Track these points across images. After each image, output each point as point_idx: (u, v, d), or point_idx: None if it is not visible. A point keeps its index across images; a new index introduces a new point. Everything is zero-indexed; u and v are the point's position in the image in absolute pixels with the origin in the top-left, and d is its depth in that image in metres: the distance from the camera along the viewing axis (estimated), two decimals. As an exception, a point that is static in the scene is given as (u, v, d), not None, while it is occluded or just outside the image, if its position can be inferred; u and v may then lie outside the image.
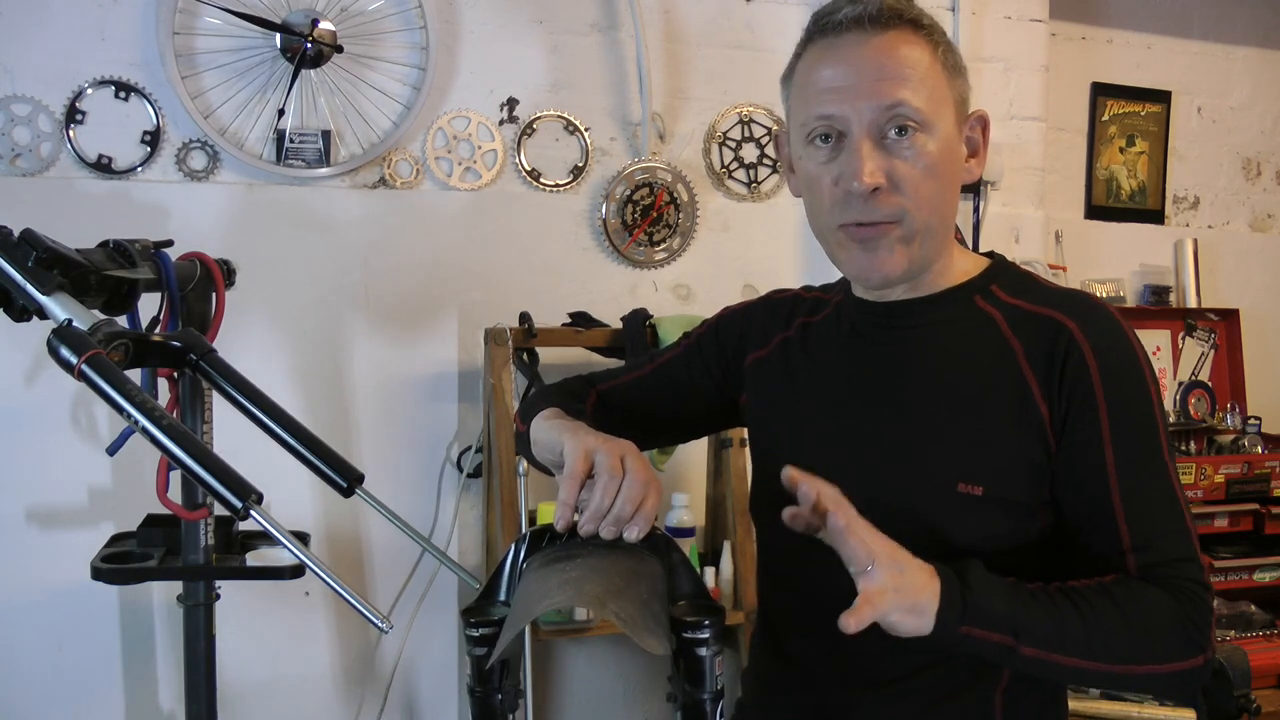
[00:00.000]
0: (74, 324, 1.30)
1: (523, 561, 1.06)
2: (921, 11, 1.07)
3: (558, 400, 1.24)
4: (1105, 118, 3.12)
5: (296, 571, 1.80)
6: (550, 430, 1.13)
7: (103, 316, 1.36)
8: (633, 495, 1.00)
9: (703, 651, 0.98)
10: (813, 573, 1.16)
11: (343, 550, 2.43)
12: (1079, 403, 1.04)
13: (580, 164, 2.55)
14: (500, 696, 1.01)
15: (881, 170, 1.04)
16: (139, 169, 2.27)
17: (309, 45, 2.27)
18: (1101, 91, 3.11)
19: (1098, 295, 1.17)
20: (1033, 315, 1.09)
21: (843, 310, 1.21)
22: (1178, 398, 3.00)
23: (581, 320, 2.45)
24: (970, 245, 2.73)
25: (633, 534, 1.00)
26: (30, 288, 1.37)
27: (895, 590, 0.92)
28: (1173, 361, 3.02)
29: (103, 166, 2.25)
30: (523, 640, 1.12)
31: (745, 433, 1.35)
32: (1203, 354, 3.05)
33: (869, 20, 1.04)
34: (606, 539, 1.00)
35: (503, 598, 1.05)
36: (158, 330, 1.64)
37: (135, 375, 1.48)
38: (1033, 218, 2.83)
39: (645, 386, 1.32)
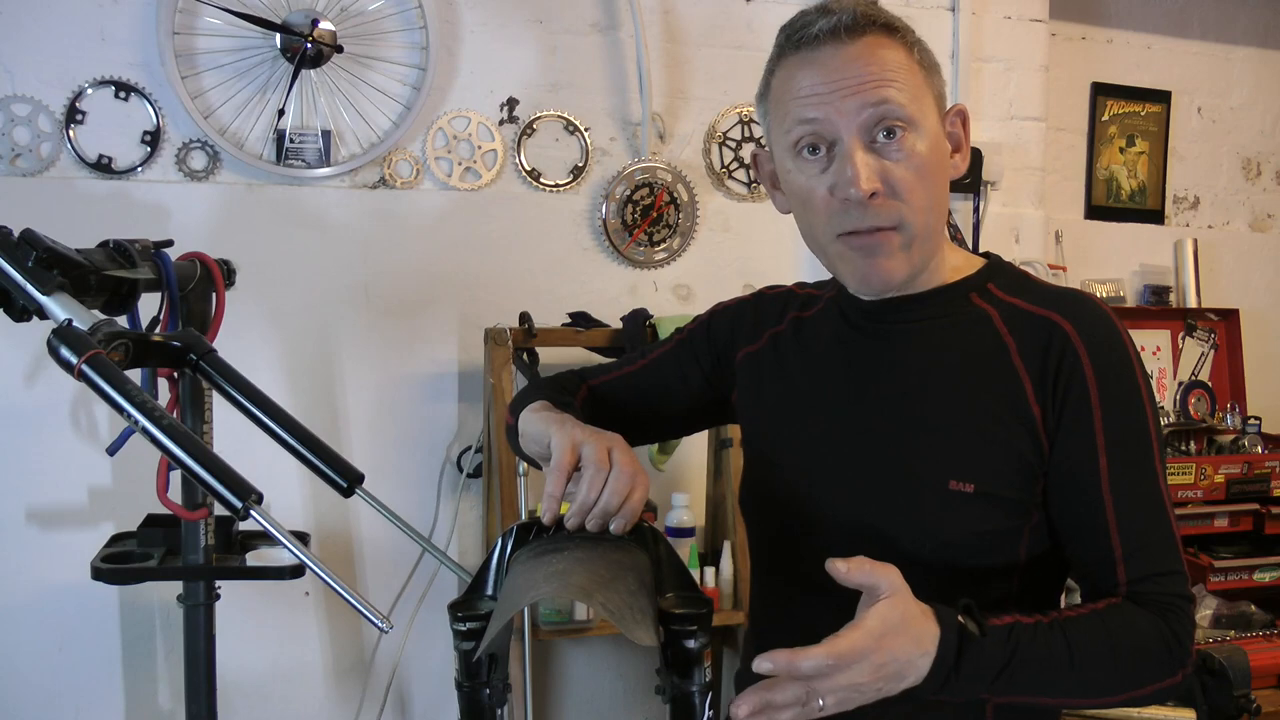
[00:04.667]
0: (74, 324, 1.29)
1: (510, 555, 1.05)
2: (892, 15, 1.07)
3: (547, 394, 1.24)
4: (1105, 118, 3.12)
5: (296, 571, 1.80)
6: (538, 422, 1.13)
7: (103, 316, 1.35)
8: (619, 488, 1.00)
9: (691, 643, 0.97)
10: (801, 568, 1.16)
11: (334, 550, 2.43)
12: (1073, 406, 1.04)
13: (580, 164, 2.55)
14: (488, 691, 1.01)
15: (877, 175, 1.03)
16: (139, 169, 2.27)
17: (309, 45, 2.28)
18: (1101, 91, 3.11)
19: (1095, 295, 1.16)
20: (1028, 314, 1.09)
21: (835, 305, 1.20)
22: (1178, 398, 3.00)
23: (581, 320, 2.45)
24: (970, 245, 2.73)
25: (619, 526, 1.00)
26: (30, 288, 1.37)
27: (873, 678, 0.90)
28: (1173, 361, 3.02)
29: (103, 166, 2.25)
30: (510, 634, 1.11)
31: (744, 432, 1.35)
32: (1202, 354, 3.05)
33: (844, 30, 1.04)
34: (593, 531, 1.00)
35: (490, 592, 1.05)
36: (158, 330, 1.64)
37: (135, 375, 1.48)
38: (1033, 218, 2.83)
39: (637, 381, 1.32)
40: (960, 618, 0.93)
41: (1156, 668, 1.00)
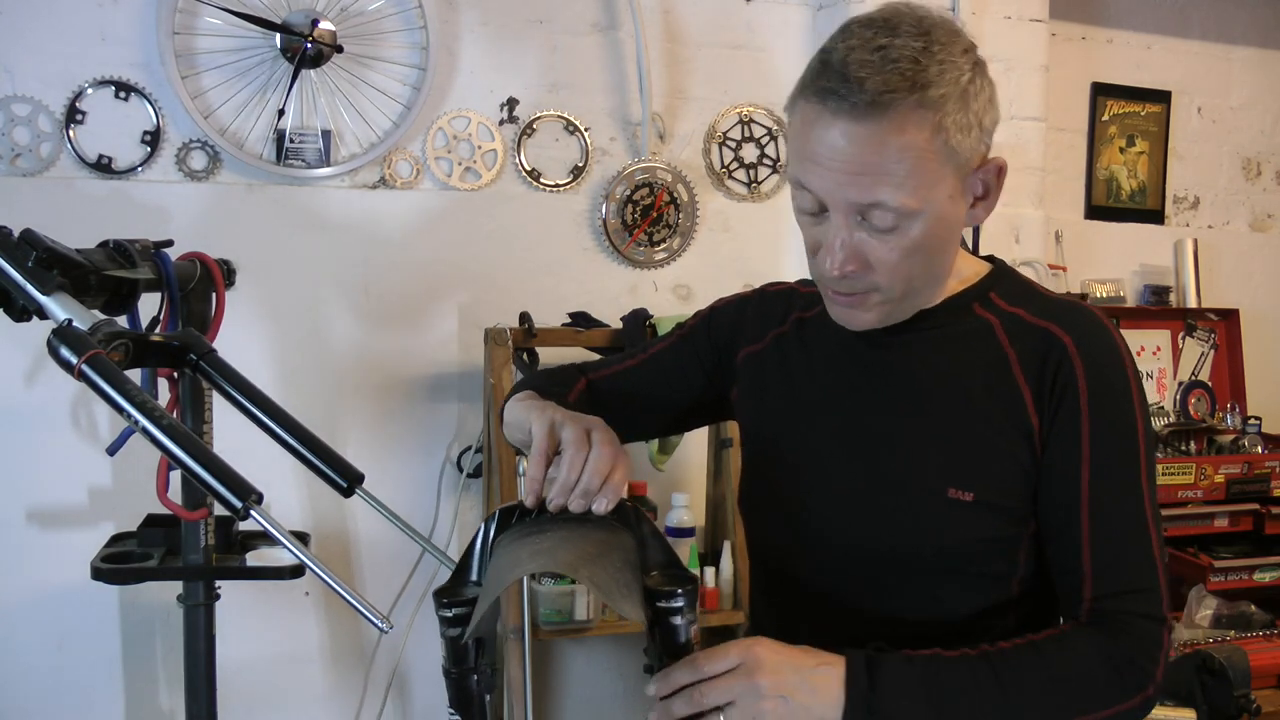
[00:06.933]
0: (74, 324, 1.29)
1: (493, 539, 1.05)
2: (932, 75, 0.96)
3: (537, 385, 1.24)
4: (1105, 118, 3.12)
5: (296, 571, 1.80)
6: (521, 411, 1.14)
7: (103, 316, 1.35)
8: (600, 467, 0.99)
9: (677, 620, 0.97)
10: (800, 569, 1.17)
11: (334, 550, 2.43)
12: (1064, 419, 1.04)
13: (580, 164, 2.55)
14: (476, 677, 1.01)
15: (855, 256, 1.02)
16: (139, 169, 2.27)
17: (309, 45, 2.27)
18: (1101, 91, 3.11)
19: (1097, 309, 1.15)
20: (1030, 326, 1.09)
21: None
22: (1178, 398, 3.00)
23: (581, 320, 2.45)
24: (970, 245, 2.72)
25: (601, 506, 0.99)
26: (30, 288, 1.37)
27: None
28: (1173, 361, 3.02)
29: (103, 166, 2.25)
30: (497, 618, 1.11)
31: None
32: (1202, 354, 3.05)
33: (861, 111, 0.95)
34: (576, 512, 1.00)
35: (474, 577, 1.04)
36: (158, 330, 1.64)
37: (135, 375, 1.48)
38: (1033, 218, 2.83)
39: (636, 376, 1.32)
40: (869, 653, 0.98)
41: (1105, 692, 0.98)
